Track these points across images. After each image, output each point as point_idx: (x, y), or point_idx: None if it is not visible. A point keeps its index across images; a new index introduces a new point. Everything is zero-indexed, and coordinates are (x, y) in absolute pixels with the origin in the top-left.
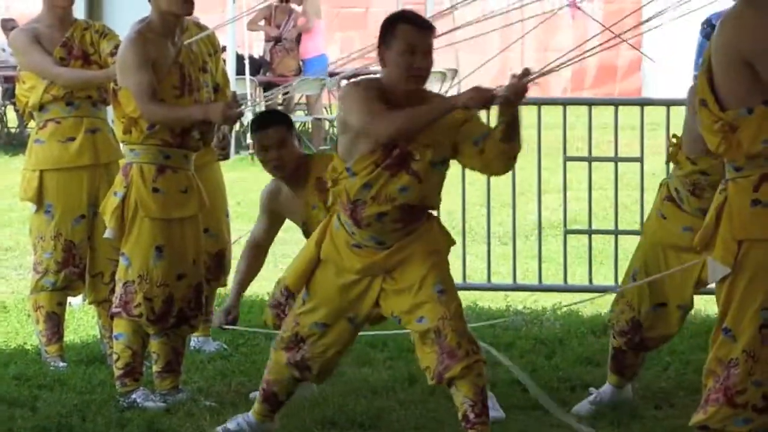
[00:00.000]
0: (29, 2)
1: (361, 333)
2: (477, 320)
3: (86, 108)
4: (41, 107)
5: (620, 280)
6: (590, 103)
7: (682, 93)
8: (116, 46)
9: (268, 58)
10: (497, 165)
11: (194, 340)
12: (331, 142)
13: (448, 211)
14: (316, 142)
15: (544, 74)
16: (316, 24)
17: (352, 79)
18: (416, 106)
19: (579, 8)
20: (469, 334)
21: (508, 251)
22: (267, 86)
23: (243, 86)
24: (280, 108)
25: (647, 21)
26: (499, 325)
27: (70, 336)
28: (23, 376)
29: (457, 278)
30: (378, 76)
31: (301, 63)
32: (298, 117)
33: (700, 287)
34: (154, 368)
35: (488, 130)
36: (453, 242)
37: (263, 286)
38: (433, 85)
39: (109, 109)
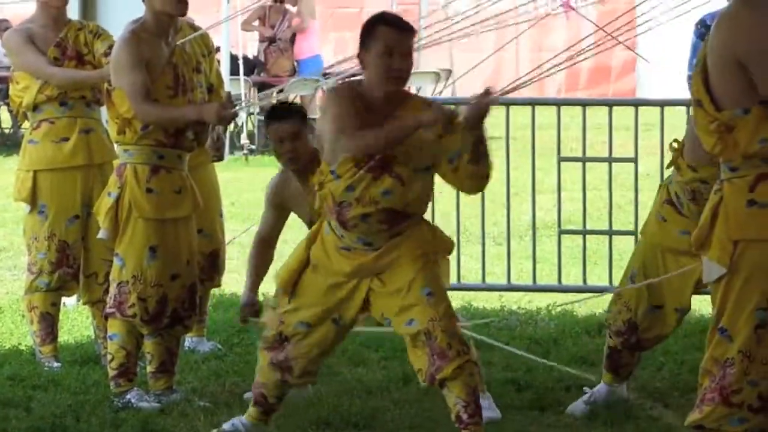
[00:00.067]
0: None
1: (357, 332)
2: (471, 320)
3: (80, 108)
4: (35, 107)
5: (615, 280)
6: (584, 103)
7: (677, 93)
8: (110, 47)
9: (262, 58)
10: (469, 185)
11: (188, 340)
12: None
13: (442, 212)
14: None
15: (506, 92)
16: (311, 24)
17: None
18: (386, 126)
19: (573, 8)
20: (460, 335)
21: (503, 251)
22: (261, 87)
23: (237, 87)
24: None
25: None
26: (494, 324)
27: (64, 336)
28: (17, 376)
29: (452, 278)
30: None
31: (295, 63)
32: None
33: (699, 289)
34: (149, 369)
35: (461, 149)
36: (446, 245)
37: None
38: (427, 86)
39: (103, 109)
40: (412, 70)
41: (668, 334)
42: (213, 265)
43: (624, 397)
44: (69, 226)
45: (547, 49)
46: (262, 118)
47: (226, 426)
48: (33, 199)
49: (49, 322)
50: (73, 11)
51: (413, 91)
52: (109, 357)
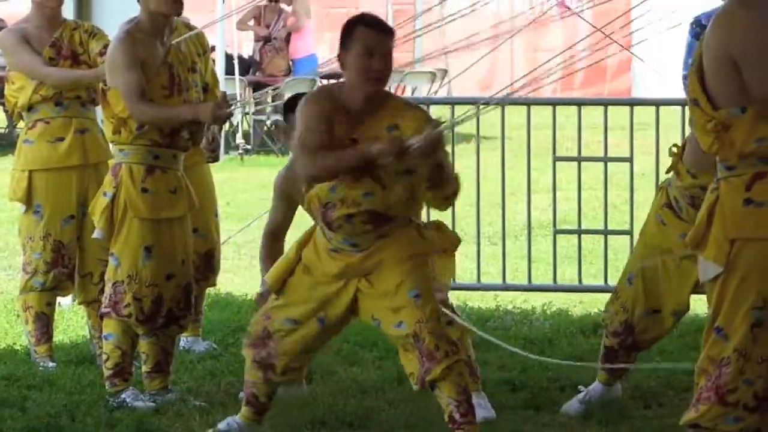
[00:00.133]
0: (17, 3)
1: (351, 332)
2: (466, 320)
3: (75, 108)
4: (30, 107)
5: (609, 279)
6: (580, 103)
7: (672, 93)
8: (105, 46)
9: (257, 57)
10: (436, 204)
11: (184, 340)
12: None
13: (438, 212)
14: None
15: (460, 122)
16: (306, 24)
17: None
18: (335, 153)
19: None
20: (448, 336)
21: (498, 251)
22: (256, 86)
23: (232, 86)
24: (269, 108)
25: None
26: (489, 324)
27: (59, 336)
28: (12, 376)
29: None
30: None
31: (290, 63)
32: None
33: (697, 289)
34: (144, 368)
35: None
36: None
37: (255, 286)
38: (423, 86)
39: (98, 109)
40: (408, 71)
41: (664, 335)
42: (208, 264)
43: (618, 396)
44: (64, 226)
45: (542, 49)
46: (257, 117)
47: (221, 426)
48: (28, 199)
49: (45, 322)
50: (68, 11)
51: (409, 91)
52: (104, 357)
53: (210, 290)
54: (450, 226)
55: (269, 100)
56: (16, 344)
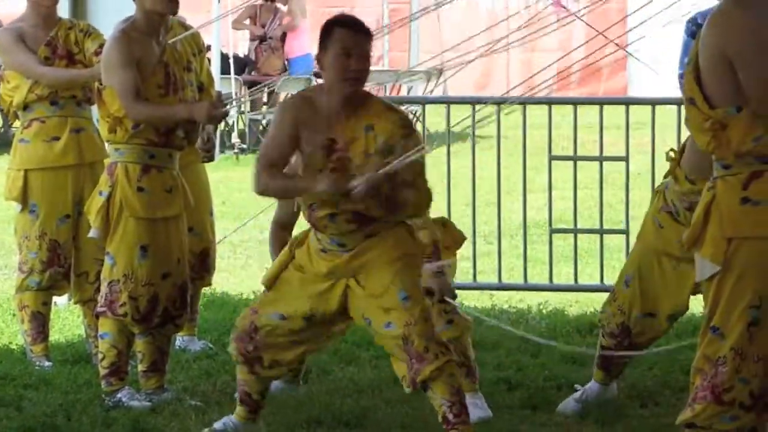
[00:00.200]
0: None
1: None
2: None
3: (71, 107)
4: (26, 107)
5: (605, 279)
6: (575, 102)
7: (668, 92)
8: (101, 45)
9: (253, 57)
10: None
11: (179, 339)
12: None
13: (433, 211)
14: None
15: (408, 156)
16: (302, 23)
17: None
18: (284, 180)
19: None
20: (437, 338)
21: (494, 250)
22: (252, 85)
23: (228, 85)
24: (264, 107)
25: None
26: (485, 324)
27: (55, 335)
28: (8, 375)
29: None
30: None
31: (286, 62)
32: None
33: (696, 292)
34: (140, 367)
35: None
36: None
37: (251, 285)
38: (418, 85)
39: (94, 108)
40: (403, 69)
41: (661, 337)
42: (203, 264)
43: (615, 395)
44: (60, 226)
45: (538, 49)
46: (253, 116)
47: (217, 425)
48: (24, 199)
49: (40, 321)
50: (63, 10)
51: (405, 90)
52: (100, 356)
53: (205, 290)
54: None
55: (264, 99)
56: (12, 343)
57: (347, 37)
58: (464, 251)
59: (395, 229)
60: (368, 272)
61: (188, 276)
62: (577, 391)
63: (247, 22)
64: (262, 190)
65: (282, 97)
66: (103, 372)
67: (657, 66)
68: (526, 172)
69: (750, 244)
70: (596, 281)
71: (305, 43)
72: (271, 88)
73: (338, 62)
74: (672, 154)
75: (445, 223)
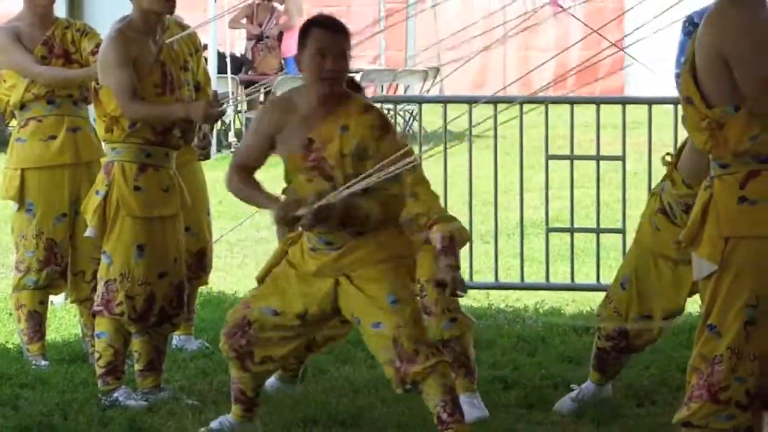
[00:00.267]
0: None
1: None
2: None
3: (67, 106)
4: (22, 106)
5: (602, 278)
6: (572, 101)
7: (665, 91)
8: (97, 45)
9: (249, 56)
10: None
11: (176, 338)
12: None
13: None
14: None
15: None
16: (298, 22)
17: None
18: (249, 188)
19: (561, 7)
20: (427, 340)
21: (490, 249)
22: (249, 84)
23: (225, 84)
24: (261, 105)
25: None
26: (482, 323)
27: (51, 335)
28: (5, 374)
29: None
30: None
31: (282, 61)
32: None
33: (693, 293)
34: (136, 367)
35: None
36: (415, 248)
37: (247, 284)
38: (415, 84)
39: (91, 107)
40: (400, 69)
41: (658, 338)
42: (200, 263)
43: (609, 395)
44: (57, 225)
45: (535, 48)
46: (249, 115)
47: (213, 424)
48: (21, 198)
49: (37, 321)
50: (60, 9)
51: (402, 89)
52: (96, 355)
53: (202, 289)
54: None
55: (261, 98)
56: (9, 342)
57: (323, 37)
58: (461, 251)
59: (384, 229)
60: (357, 272)
61: (185, 275)
62: (573, 390)
63: (244, 21)
64: (233, 193)
65: None
66: (99, 371)
67: (654, 65)
68: (523, 171)
69: (747, 244)
70: (593, 280)
71: None
72: (268, 88)
73: (314, 62)
74: (668, 158)
75: (402, 231)
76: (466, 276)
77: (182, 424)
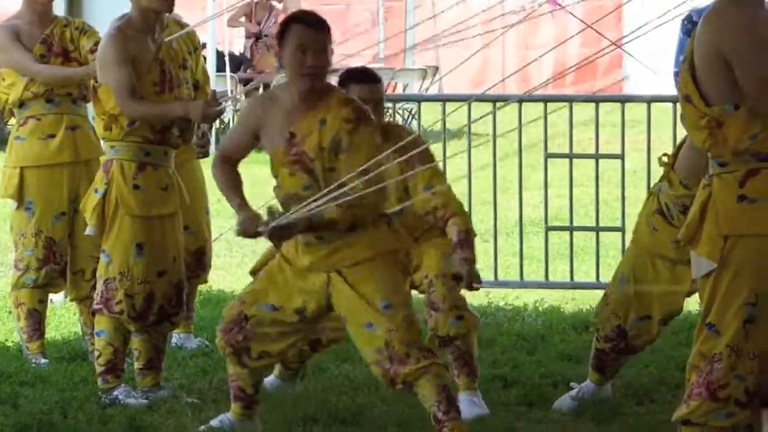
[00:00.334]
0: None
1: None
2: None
3: (66, 105)
4: (21, 104)
5: (601, 276)
6: (571, 99)
7: (664, 90)
8: (96, 43)
9: (248, 54)
10: None
11: (176, 337)
12: None
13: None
14: None
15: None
16: None
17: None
18: (228, 186)
19: (559, 5)
20: (420, 343)
21: (490, 248)
22: (247, 83)
23: (223, 83)
24: None
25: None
26: (481, 321)
27: (51, 333)
28: (4, 373)
29: None
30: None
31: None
32: None
33: (692, 293)
34: (136, 365)
35: None
36: (406, 241)
37: (246, 283)
38: (414, 83)
39: (90, 105)
40: (399, 68)
41: (656, 339)
42: (199, 262)
43: (610, 393)
44: (56, 223)
45: (534, 46)
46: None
47: (213, 422)
48: (20, 196)
49: (36, 319)
50: (59, 8)
51: (400, 88)
52: (96, 353)
53: (201, 287)
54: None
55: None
56: (8, 341)
57: (303, 33)
58: None
59: (375, 224)
60: (348, 271)
61: (184, 274)
62: (572, 388)
63: (243, 19)
64: (215, 181)
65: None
66: (99, 369)
67: (653, 64)
68: (522, 170)
69: (746, 242)
70: (592, 279)
71: None
72: (267, 86)
73: (295, 58)
74: (665, 158)
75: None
76: None
77: (182, 422)
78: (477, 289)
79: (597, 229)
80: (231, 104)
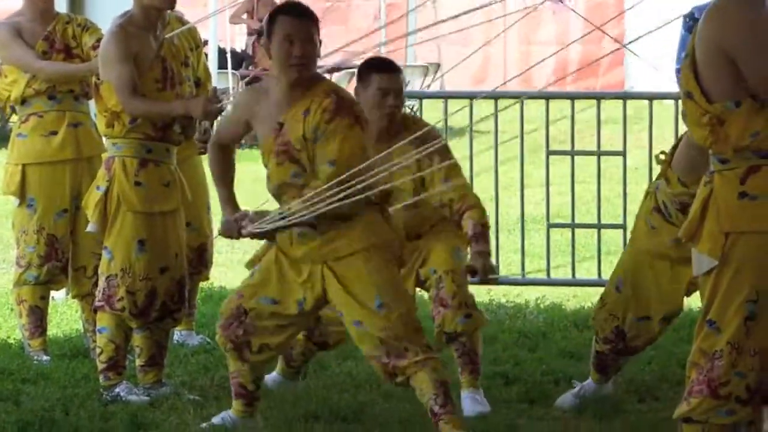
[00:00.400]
0: None
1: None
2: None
3: (68, 102)
4: (23, 101)
5: (603, 273)
6: (573, 96)
7: (665, 87)
8: (98, 40)
9: (250, 51)
10: None
11: (177, 333)
12: None
13: None
14: None
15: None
16: None
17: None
18: (218, 176)
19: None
20: (417, 338)
21: (491, 245)
22: (249, 80)
23: (225, 80)
24: None
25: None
26: None
27: (53, 330)
28: (6, 370)
29: None
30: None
31: None
32: None
33: (691, 292)
34: (138, 362)
35: None
36: (399, 231)
37: None
38: (415, 79)
39: (92, 102)
40: (401, 65)
41: (655, 340)
42: (201, 258)
43: (611, 391)
44: (58, 220)
45: (535, 42)
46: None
47: (215, 420)
48: (22, 193)
49: (38, 316)
50: (61, 5)
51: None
52: (98, 350)
53: (203, 284)
54: None
55: None
56: (10, 338)
57: (289, 23)
58: None
59: (368, 212)
60: (341, 264)
61: (186, 271)
62: (574, 385)
63: (245, 16)
64: (209, 167)
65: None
66: (101, 366)
67: (655, 61)
68: (524, 167)
69: (747, 239)
70: (594, 276)
71: None
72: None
73: (282, 49)
74: (662, 156)
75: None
76: None
77: (184, 419)
78: (493, 282)
79: (599, 227)
80: (232, 102)
